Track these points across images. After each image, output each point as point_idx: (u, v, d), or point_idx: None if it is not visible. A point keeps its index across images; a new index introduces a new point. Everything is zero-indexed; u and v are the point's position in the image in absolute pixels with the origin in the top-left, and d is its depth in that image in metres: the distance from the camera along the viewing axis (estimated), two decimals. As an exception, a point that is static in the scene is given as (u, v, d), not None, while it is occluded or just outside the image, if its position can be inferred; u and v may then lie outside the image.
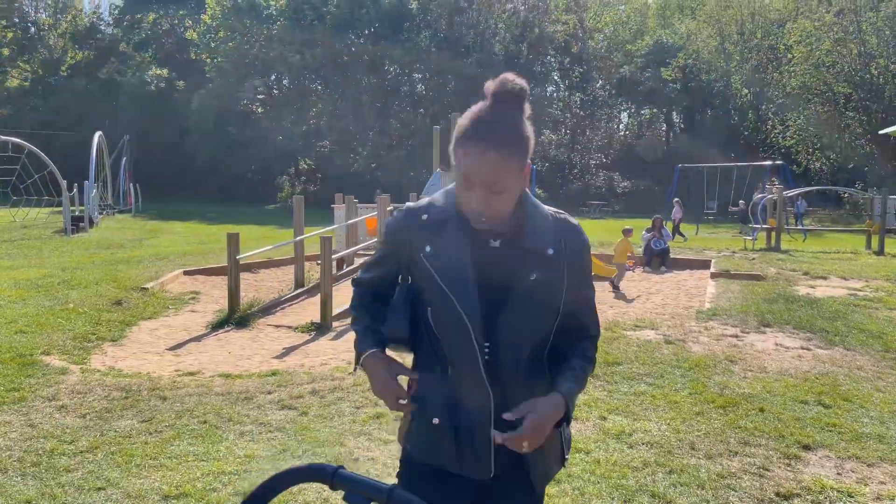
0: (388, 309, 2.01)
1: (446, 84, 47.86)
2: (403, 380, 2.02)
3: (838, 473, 4.56)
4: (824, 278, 13.47)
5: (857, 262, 16.60)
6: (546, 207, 2.03)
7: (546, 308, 1.92)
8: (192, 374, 6.84)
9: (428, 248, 1.91)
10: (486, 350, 1.88)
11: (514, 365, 1.91)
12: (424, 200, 2.04)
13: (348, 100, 45.21)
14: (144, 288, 10.93)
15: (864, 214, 28.92)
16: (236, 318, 9.23)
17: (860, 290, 11.84)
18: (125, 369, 7.01)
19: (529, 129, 1.86)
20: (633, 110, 54.52)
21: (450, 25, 47.86)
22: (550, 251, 1.91)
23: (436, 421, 1.94)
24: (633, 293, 12.34)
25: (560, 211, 2.04)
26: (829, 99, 37.98)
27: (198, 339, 8.55)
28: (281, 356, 7.69)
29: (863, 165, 36.49)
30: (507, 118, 1.80)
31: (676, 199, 22.76)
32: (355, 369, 2.34)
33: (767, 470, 4.57)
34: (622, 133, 54.26)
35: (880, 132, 26.42)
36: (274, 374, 6.74)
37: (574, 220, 2.04)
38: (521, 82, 1.84)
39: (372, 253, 2.23)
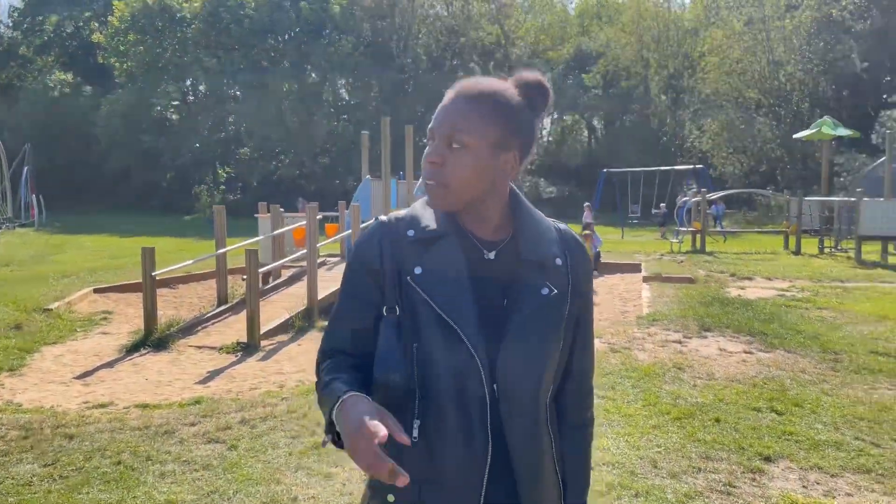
0: (378, 351, 1.52)
1: (371, 90, 47.28)
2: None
3: (804, 486, 4.39)
4: (750, 279, 13.74)
5: (779, 262, 17.10)
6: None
7: (557, 334, 1.56)
8: (103, 406, 6.15)
9: (418, 270, 1.51)
10: (490, 395, 1.49)
11: (521, 413, 1.51)
12: (401, 212, 1.63)
13: (269, 106, 43.96)
14: (48, 309, 10.00)
15: (776, 216, 30.12)
16: (154, 339, 8.49)
17: (787, 291, 12.08)
18: (24, 403, 6.25)
19: (526, 112, 1.56)
20: (555, 116, 55.35)
21: (373, 30, 47.33)
22: (559, 261, 1.58)
23: (391, 499, 1.50)
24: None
25: (555, 220, 1.68)
26: (741, 105, 39.51)
27: (110, 364, 7.79)
28: (205, 381, 7.06)
29: (774, 168, 38.08)
30: (497, 82, 1.56)
31: (587, 204, 23.08)
32: (324, 443, 1.43)
33: (734, 486, 4.35)
34: (546, 139, 55.02)
35: (794, 136, 27.55)
36: (198, 402, 6.13)
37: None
38: (539, 77, 1.59)
39: (334, 305, 1.63)
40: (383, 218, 1.62)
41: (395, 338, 1.51)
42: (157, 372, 7.44)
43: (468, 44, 48.18)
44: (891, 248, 17.58)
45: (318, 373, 1.57)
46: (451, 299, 1.48)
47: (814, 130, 24.09)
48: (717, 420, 5.49)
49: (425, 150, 1.54)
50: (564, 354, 1.59)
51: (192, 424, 5.52)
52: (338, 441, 1.38)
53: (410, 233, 1.55)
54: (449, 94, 1.54)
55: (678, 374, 6.85)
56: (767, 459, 4.78)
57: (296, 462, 4.75)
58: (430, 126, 1.53)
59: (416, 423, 1.48)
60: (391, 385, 1.49)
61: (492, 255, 1.55)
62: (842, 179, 30.96)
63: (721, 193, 26.13)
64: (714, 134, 39.51)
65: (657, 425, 5.40)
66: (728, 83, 39.61)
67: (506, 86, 1.57)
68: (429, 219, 1.56)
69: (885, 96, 34.04)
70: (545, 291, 1.53)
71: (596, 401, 5.65)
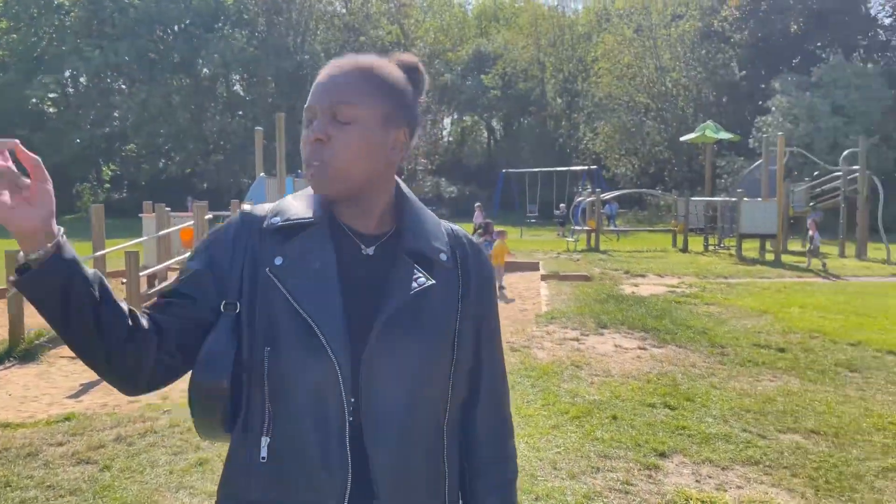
0: (203, 349, 1.27)
1: (266, 86, 45.95)
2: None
3: (697, 481, 4.45)
4: (643, 276, 14.20)
5: (668, 259, 17.82)
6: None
7: (436, 337, 1.31)
8: (-45, 427, 5.50)
9: (278, 260, 1.28)
10: (351, 410, 1.24)
11: (387, 436, 1.25)
12: (269, 205, 1.40)
13: (157, 100, 41.87)
14: None
15: (665, 215, 31.50)
16: (20, 350, 7.76)
17: (677, 287, 12.55)
18: None
19: (410, 90, 1.39)
20: (455, 117, 55.75)
21: (269, 25, 46.01)
22: (444, 257, 1.36)
23: None
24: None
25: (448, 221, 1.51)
26: (631, 108, 41.14)
27: (-32, 379, 7.04)
28: (77, 395, 6.48)
29: (662, 169, 39.87)
30: (378, 58, 1.38)
31: (478, 204, 23.31)
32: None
33: (631, 485, 4.36)
34: (446, 139, 55.30)
35: (681, 139, 28.89)
36: (67, 418, 5.60)
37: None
38: (416, 60, 1.44)
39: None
40: (246, 207, 1.39)
41: (228, 338, 1.26)
42: (23, 387, 6.78)
43: (367, 42, 47.67)
44: (767, 245, 18.68)
45: None
46: (315, 296, 1.25)
47: (698, 134, 25.34)
48: (615, 417, 5.53)
49: (303, 133, 1.31)
50: (461, 372, 1.37)
51: (60, 444, 5.01)
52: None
53: (275, 220, 1.32)
54: (328, 70, 1.33)
55: (576, 371, 6.89)
56: (662, 455, 4.83)
57: (177, 481, 4.38)
58: (307, 104, 1.31)
59: (265, 441, 1.25)
60: (213, 392, 1.25)
61: (370, 251, 1.34)
62: (723, 181, 32.77)
63: (614, 193, 27.04)
64: (607, 136, 40.94)
65: (556, 425, 5.38)
66: (619, 87, 41.16)
67: (388, 61, 1.38)
68: (300, 207, 1.34)
69: (760, 102, 36.29)
70: (420, 282, 1.31)
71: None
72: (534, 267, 15.41)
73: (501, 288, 13.07)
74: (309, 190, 1.36)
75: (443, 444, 1.35)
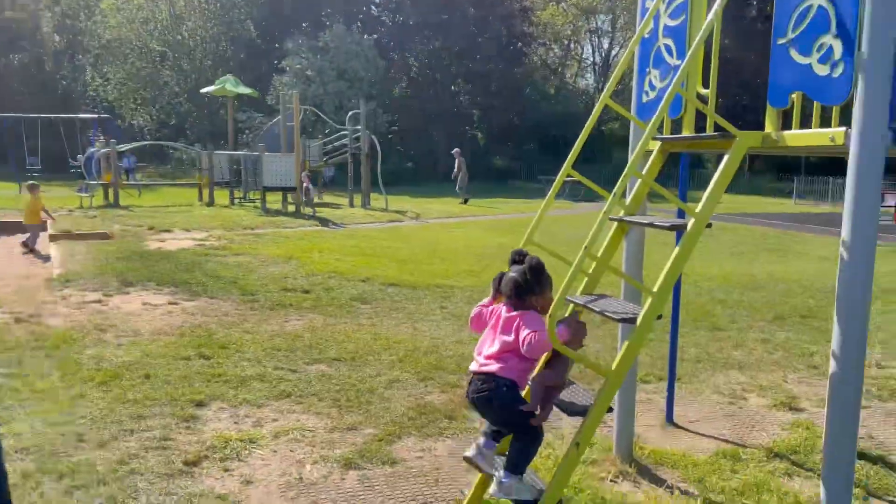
0: None
1: None
2: None
3: (235, 423, 4.56)
4: (169, 231, 13.70)
5: (195, 214, 17.52)
6: None
7: None
8: None
9: None
10: None
11: None
12: None
13: None
14: None
15: (189, 169, 30.80)
16: None
17: (205, 241, 12.46)
18: None
19: None
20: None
21: None
22: None
23: None
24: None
25: None
26: (146, 55, 38.63)
27: None
28: None
29: (183, 122, 38.68)
30: None
31: None
32: None
33: (170, 439, 4.24)
34: None
35: (201, 91, 28.28)
36: None
37: None
38: None
39: None
40: None
41: None
42: None
43: None
44: (289, 197, 19.87)
45: None
46: None
47: (218, 87, 25.21)
48: (147, 376, 5.27)
49: None
50: None
51: None
52: None
53: None
54: None
55: (101, 335, 6.32)
56: (200, 405, 4.81)
57: None
58: None
59: None
60: None
61: None
62: (245, 136, 33.46)
63: (132, 146, 25.23)
64: (119, 83, 37.78)
65: (80, 394, 4.87)
66: (131, 30, 38.19)
67: None
68: None
69: (276, 62, 37.89)
70: None
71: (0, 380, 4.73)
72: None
73: (32, 251, 11.29)
74: None
75: None
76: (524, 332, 2.72)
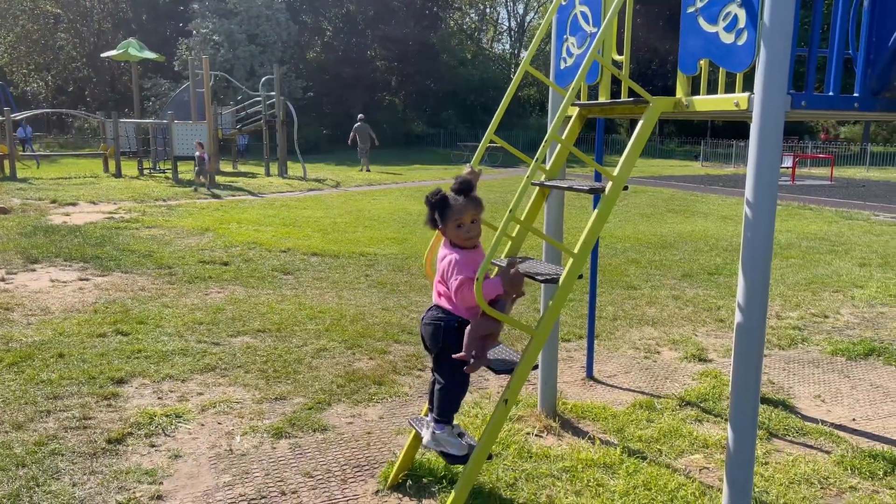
0: None
1: None
2: None
3: (159, 398, 4.47)
4: (74, 205, 13.06)
5: (101, 185, 16.72)
6: None
7: None
8: None
9: None
10: None
11: None
12: None
13: None
14: None
15: (91, 139, 29.23)
16: None
17: (115, 213, 11.95)
18: None
19: None
20: None
21: None
22: None
23: None
24: None
25: None
26: (37, 17, 36.15)
27: None
28: None
29: (83, 89, 36.58)
30: None
31: None
32: None
33: (90, 418, 4.12)
34: None
35: (102, 56, 26.76)
36: None
37: None
38: None
39: None
40: None
41: None
42: None
43: None
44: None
45: None
46: None
47: (120, 51, 23.95)
48: (61, 355, 5.07)
49: None
50: None
51: None
52: None
53: None
54: None
55: (7, 315, 6.02)
56: (120, 382, 4.68)
57: None
58: None
59: None
60: None
61: None
62: (151, 103, 31.99)
63: (27, 114, 23.72)
64: (10, 47, 35.28)
65: (-11, 377, 4.65)
66: (21, -10, 35.64)
67: None
68: None
69: (181, 25, 36.20)
70: None
71: None
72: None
73: None
74: None
75: None
76: (453, 283, 2.80)
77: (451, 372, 2.95)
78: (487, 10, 55.87)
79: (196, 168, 16.80)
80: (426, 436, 3.03)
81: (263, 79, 23.85)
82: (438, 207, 2.88)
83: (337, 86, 40.38)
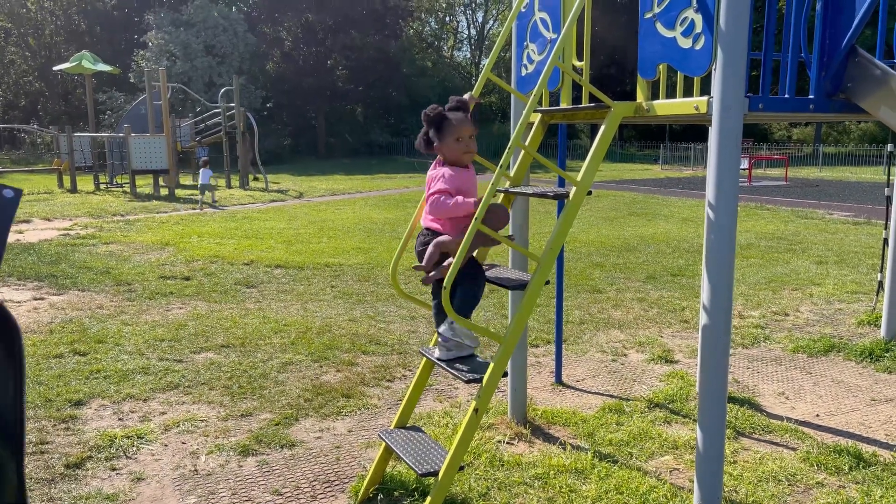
0: None
1: None
2: None
3: (120, 419, 4.35)
4: (28, 222, 12.72)
5: (56, 201, 16.31)
6: None
7: None
8: None
9: None
10: None
11: None
12: None
13: None
14: None
15: (45, 154, 28.53)
16: None
17: (70, 230, 11.65)
18: None
19: None
20: None
21: None
22: None
23: None
24: None
25: None
26: (-13, 30, 35.28)
27: None
28: None
29: (35, 103, 35.72)
30: None
31: None
32: None
33: (47, 443, 3.98)
34: None
35: (54, 69, 26.15)
36: None
37: None
38: None
39: None
40: None
41: None
42: None
43: None
44: (161, 180, 18.87)
45: None
46: None
47: (73, 64, 23.45)
48: (16, 378, 4.90)
49: None
50: None
51: None
52: None
53: None
54: None
55: (-43, 338, 5.80)
56: (78, 404, 4.54)
57: None
58: None
59: None
60: None
61: None
62: (107, 117, 31.38)
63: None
64: (-42, 61, 34.31)
65: (-61, 404, 4.46)
66: (-32, 3, 34.71)
67: None
68: None
69: (136, 37, 35.60)
70: None
71: None
72: None
73: None
74: None
75: None
76: (432, 190, 2.84)
77: (461, 277, 2.91)
78: (447, 19, 56.14)
79: (200, 184, 16.37)
80: (444, 325, 3.01)
81: (223, 90, 23.57)
82: (436, 122, 2.91)
83: (297, 96, 40.11)
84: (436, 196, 2.84)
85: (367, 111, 45.65)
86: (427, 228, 3.00)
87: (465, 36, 57.62)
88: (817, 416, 4.40)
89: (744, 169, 24.07)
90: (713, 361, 2.78)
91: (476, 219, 2.71)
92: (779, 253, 9.92)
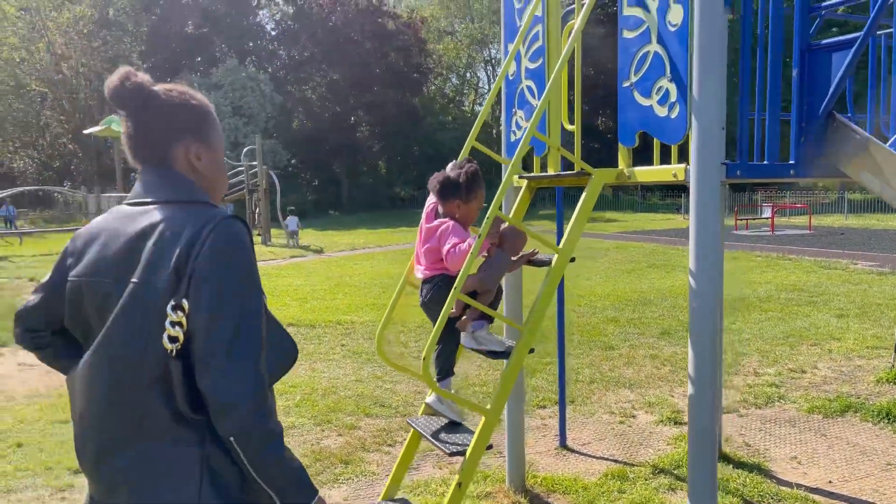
0: None
1: None
2: None
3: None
4: (52, 282, 12.95)
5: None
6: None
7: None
8: None
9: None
10: None
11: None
12: None
13: None
14: None
15: (76, 212, 29.28)
16: None
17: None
18: None
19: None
20: None
21: None
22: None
23: None
24: None
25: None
26: (24, 95, 36.69)
27: None
28: None
29: (69, 164, 36.88)
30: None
31: None
32: None
33: (43, 514, 3.97)
34: None
35: (85, 132, 27.06)
36: None
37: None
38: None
39: None
40: None
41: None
42: None
43: None
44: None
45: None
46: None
47: (104, 127, 24.23)
48: (20, 445, 4.93)
49: None
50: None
51: None
52: None
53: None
54: None
55: (-33, 404, 5.87)
56: (78, 472, 4.53)
57: None
58: None
59: None
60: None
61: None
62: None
63: (10, 192, 23.82)
64: (-3, 126, 35.69)
65: (-59, 472, 4.49)
66: (6, 71, 36.21)
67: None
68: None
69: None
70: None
71: None
72: None
73: None
74: None
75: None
76: (447, 245, 2.82)
77: (448, 328, 2.90)
78: (468, 75, 57.27)
79: (289, 231, 20.41)
80: (466, 339, 3.00)
81: (246, 149, 24.17)
82: (473, 177, 2.90)
83: (321, 152, 40.91)
84: (451, 250, 2.84)
85: (389, 165, 46.35)
86: (433, 276, 2.98)
87: (486, 90, 58.61)
88: (830, 482, 4.23)
89: (766, 218, 23.84)
90: (700, 428, 2.70)
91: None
92: (799, 306, 9.71)
